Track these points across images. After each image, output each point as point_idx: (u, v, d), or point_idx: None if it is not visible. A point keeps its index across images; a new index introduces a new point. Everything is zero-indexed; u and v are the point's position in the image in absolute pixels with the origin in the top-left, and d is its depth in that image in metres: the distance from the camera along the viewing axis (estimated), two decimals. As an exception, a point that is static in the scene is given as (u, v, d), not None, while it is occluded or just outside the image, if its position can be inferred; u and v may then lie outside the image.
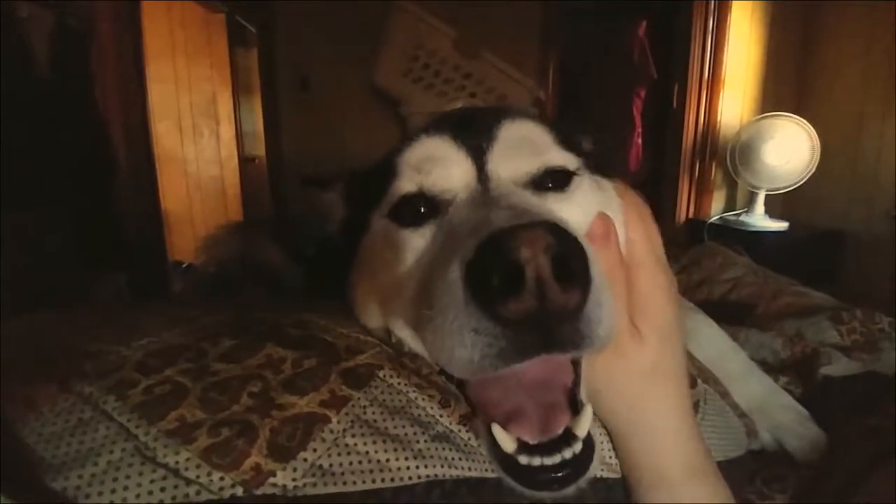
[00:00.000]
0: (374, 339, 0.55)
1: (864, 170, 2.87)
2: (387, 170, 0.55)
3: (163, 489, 0.36)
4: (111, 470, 0.36)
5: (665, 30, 3.79)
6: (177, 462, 0.37)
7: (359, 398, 0.45)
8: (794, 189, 2.92)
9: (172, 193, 3.92)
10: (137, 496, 0.36)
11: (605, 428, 0.51)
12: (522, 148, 0.53)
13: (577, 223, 0.46)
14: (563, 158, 0.54)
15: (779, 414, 0.81)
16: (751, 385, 0.83)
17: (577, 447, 0.40)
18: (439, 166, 0.52)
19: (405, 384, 0.48)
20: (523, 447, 0.40)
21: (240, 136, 4.39)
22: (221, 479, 0.37)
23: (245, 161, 4.41)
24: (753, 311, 1.22)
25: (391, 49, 3.28)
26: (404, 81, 3.31)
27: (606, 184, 0.57)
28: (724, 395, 0.74)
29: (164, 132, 4.01)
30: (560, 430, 0.40)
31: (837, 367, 0.93)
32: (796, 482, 0.72)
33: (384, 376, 0.48)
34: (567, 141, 0.57)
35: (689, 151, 3.38)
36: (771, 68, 3.30)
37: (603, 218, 0.48)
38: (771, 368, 0.92)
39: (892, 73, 2.70)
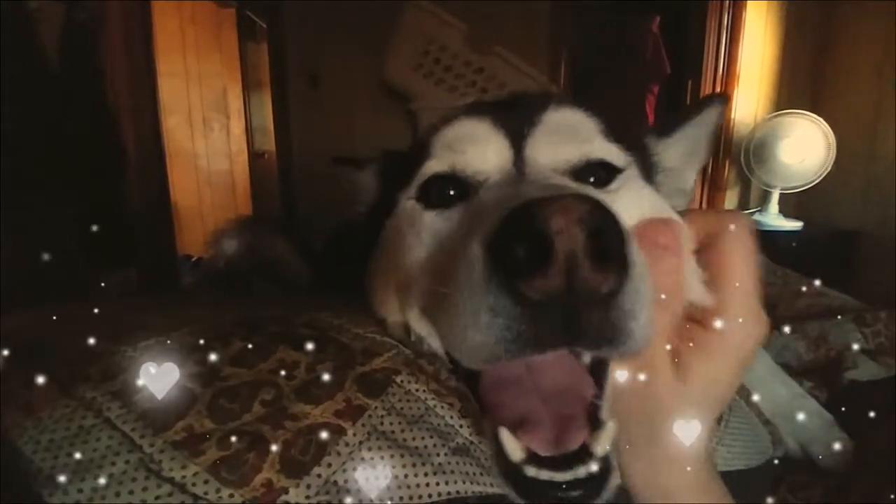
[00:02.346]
0: (391, 339, 0.52)
1: (879, 169, 2.83)
2: (420, 150, 0.53)
3: (168, 506, 0.34)
4: (114, 484, 0.34)
5: (679, 25, 3.75)
6: (184, 477, 0.35)
7: (375, 407, 0.42)
8: (809, 188, 2.89)
9: (182, 187, 3.94)
10: (141, 514, 0.34)
11: None
12: (565, 135, 0.50)
13: None
14: (607, 151, 0.51)
15: (804, 420, 0.79)
16: (775, 390, 0.80)
17: (593, 466, 0.36)
18: (474, 146, 0.49)
19: (423, 390, 0.46)
20: (532, 458, 0.36)
21: (250, 130, 4.41)
22: (231, 496, 0.35)
23: (255, 156, 4.42)
24: (774, 311, 1.19)
25: (401, 44, 3.25)
26: (415, 77, 3.28)
27: (659, 200, 0.52)
28: (749, 401, 0.72)
29: (175, 126, 4.04)
30: (576, 446, 0.36)
31: (863, 371, 0.91)
32: (822, 490, 0.71)
33: (401, 382, 0.46)
34: (617, 133, 0.53)
35: (702, 149, 3.33)
36: (786, 65, 3.27)
37: (671, 225, 0.41)
38: (794, 372, 0.90)
39: (907, 72, 2.66)
